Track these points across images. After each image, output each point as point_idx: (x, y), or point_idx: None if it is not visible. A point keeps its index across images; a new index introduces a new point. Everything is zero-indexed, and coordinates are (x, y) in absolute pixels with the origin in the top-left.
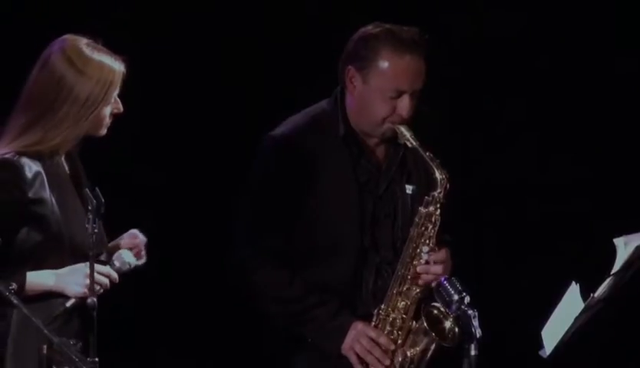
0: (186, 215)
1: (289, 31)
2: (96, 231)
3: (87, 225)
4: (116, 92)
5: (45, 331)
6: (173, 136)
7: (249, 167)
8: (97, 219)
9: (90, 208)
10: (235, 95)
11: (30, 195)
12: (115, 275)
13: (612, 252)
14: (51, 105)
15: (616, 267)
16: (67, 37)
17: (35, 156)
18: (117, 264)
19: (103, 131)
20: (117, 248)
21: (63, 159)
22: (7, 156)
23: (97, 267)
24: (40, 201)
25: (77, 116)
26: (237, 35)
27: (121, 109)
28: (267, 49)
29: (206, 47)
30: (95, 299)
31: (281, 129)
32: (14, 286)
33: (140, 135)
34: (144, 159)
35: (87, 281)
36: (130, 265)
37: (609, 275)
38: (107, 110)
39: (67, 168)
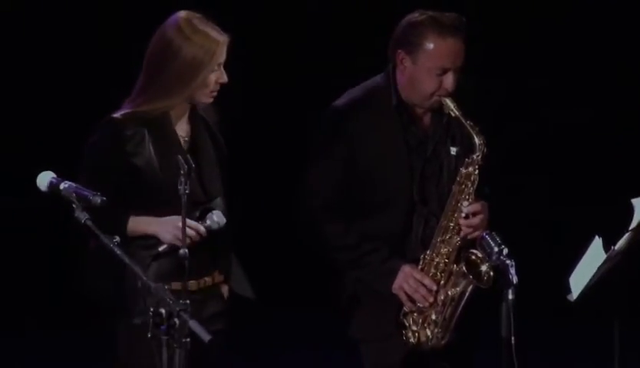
0: (255, 173)
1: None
2: (187, 192)
3: (179, 187)
4: (220, 61)
5: (144, 278)
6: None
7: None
8: (188, 182)
9: (182, 171)
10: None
11: (127, 148)
12: (203, 230)
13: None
14: (160, 66)
15: (634, 224)
16: (182, 12)
17: (144, 119)
18: (208, 222)
19: (209, 99)
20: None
21: (184, 124)
22: (113, 115)
23: (188, 221)
24: (137, 153)
25: (182, 77)
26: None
27: (225, 79)
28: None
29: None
30: (186, 250)
31: (341, 101)
32: (117, 239)
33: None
34: None
35: (177, 232)
36: (219, 224)
37: (628, 231)
38: (213, 77)
39: (185, 134)
